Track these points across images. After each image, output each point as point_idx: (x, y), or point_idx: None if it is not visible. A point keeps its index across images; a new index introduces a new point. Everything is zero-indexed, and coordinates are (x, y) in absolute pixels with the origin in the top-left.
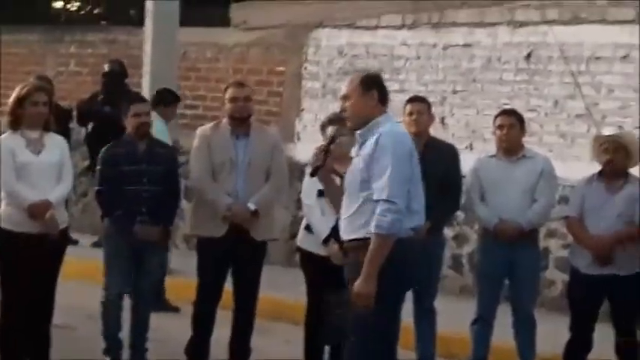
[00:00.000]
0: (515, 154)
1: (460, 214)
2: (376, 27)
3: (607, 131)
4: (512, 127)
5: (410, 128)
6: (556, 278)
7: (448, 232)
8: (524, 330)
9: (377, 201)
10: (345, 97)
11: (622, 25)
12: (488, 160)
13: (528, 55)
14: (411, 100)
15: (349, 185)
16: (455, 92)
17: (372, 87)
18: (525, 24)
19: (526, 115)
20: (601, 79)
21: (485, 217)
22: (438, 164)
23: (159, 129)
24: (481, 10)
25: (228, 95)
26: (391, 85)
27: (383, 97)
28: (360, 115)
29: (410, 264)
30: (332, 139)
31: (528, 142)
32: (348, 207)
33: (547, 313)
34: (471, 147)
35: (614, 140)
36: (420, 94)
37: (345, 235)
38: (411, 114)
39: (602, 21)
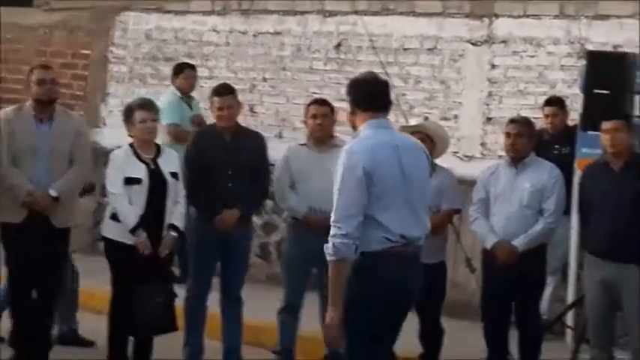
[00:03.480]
0: (327, 144)
1: (269, 203)
2: (185, 12)
3: (414, 122)
4: (325, 116)
5: (219, 122)
6: None
7: (257, 220)
8: None
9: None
10: None
11: (430, 17)
12: (299, 149)
13: (338, 45)
14: (219, 94)
15: None
16: (265, 80)
17: (348, 93)
18: (335, 13)
19: (336, 105)
20: (409, 70)
21: (295, 206)
22: (245, 153)
23: (171, 101)
24: None
25: (34, 78)
26: (201, 72)
27: (361, 102)
28: (350, 124)
29: (387, 280)
30: None
31: (338, 131)
32: None
33: None
34: (280, 135)
35: (420, 131)
36: (229, 82)
37: None
38: (220, 109)
39: (411, 13)
